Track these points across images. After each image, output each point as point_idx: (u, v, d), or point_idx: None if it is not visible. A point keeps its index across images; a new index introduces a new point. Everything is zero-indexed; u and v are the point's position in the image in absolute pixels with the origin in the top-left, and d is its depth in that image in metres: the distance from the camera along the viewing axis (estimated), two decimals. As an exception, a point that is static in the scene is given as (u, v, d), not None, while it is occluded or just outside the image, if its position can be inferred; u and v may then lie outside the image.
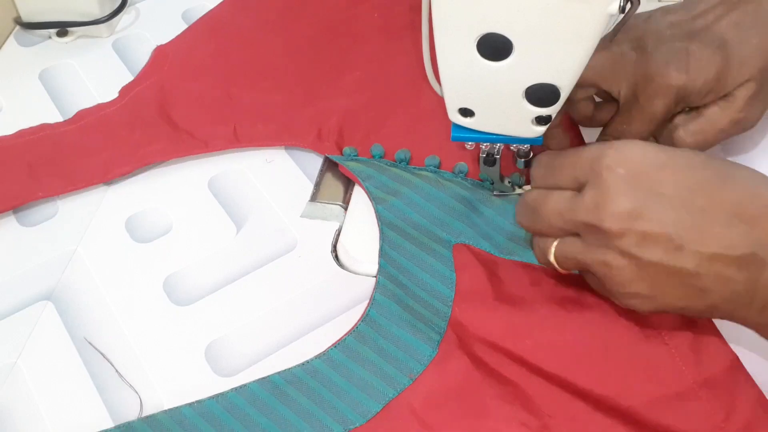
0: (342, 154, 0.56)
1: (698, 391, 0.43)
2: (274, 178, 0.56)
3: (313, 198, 0.55)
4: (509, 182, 0.52)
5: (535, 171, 0.44)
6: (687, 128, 0.49)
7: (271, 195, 0.55)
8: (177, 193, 0.56)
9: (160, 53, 0.64)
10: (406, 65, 0.61)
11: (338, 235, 0.53)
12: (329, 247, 0.52)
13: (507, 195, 0.52)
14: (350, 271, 0.51)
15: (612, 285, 0.41)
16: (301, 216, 0.54)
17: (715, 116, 0.49)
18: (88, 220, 0.54)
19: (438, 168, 0.54)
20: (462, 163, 0.54)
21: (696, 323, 0.45)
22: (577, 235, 0.42)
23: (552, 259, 0.43)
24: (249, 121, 0.58)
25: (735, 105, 0.48)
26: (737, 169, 0.40)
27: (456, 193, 0.52)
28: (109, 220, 0.54)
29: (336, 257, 0.52)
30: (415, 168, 0.54)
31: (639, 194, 0.39)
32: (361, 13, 0.66)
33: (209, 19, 0.67)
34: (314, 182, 0.55)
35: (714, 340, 0.45)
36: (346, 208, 0.54)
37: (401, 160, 0.55)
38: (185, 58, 0.63)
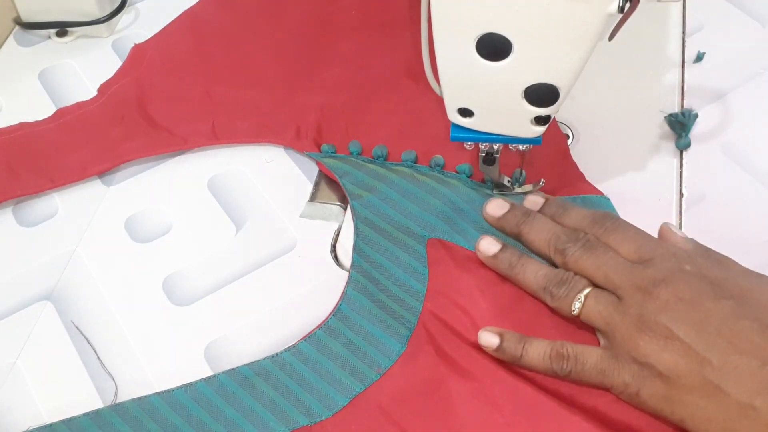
0: (320, 151, 0.56)
1: None
2: (273, 179, 0.56)
3: (313, 198, 0.55)
4: (508, 181, 0.52)
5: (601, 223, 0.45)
6: None
7: (271, 195, 0.55)
8: (176, 193, 0.56)
9: (139, 50, 0.64)
10: (385, 61, 0.61)
11: (338, 235, 0.53)
12: (329, 248, 0.52)
13: (505, 194, 0.52)
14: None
15: (630, 351, 0.41)
16: (300, 216, 0.54)
17: None
18: (87, 220, 0.54)
19: (415, 162, 0.54)
20: (438, 156, 0.54)
21: None
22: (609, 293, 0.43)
23: (582, 298, 0.43)
24: (228, 118, 0.59)
25: None
26: None
27: (431, 188, 0.52)
28: (108, 220, 0.54)
29: (335, 257, 0.52)
30: (391, 164, 0.54)
31: (700, 285, 0.40)
32: (339, 10, 0.66)
33: (188, 16, 0.66)
34: (313, 182, 0.55)
35: None
36: (345, 209, 0.54)
37: (378, 156, 0.55)
38: (164, 55, 0.63)
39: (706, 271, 0.42)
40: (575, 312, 0.44)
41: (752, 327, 0.39)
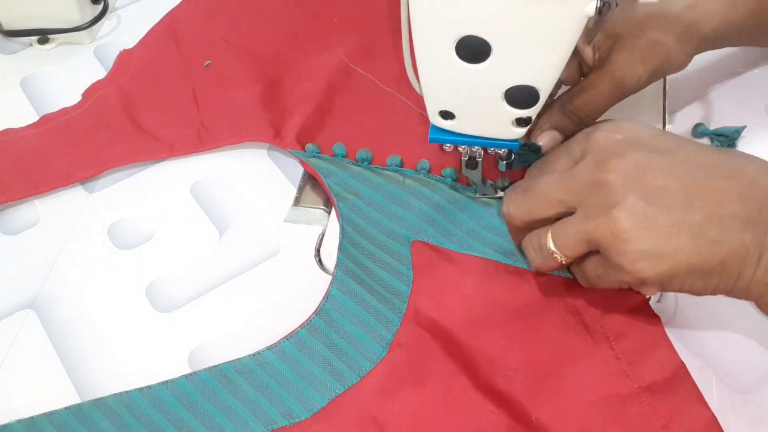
0: (304, 150, 0.56)
1: (641, 396, 0.43)
2: (256, 183, 0.56)
3: (296, 202, 0.55)
4: (491, 185, 0.52)
5: (532, 167, 0.45)
6: (575, 101, 0.49)
7: (254, 200, 0.55)
8: (159, 199, 0.56)
9: (124, 57, 0.64)
10: (369, 66, 0.61)
11: (322, 239, 0.53)
12: (313, 252, 0.52)
13: (489, 198, 0.52)
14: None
15: (618, 247, 0.39)
16: (284, 221, 0.54)
17: (597, 81, 0.48)
18: (69, 227, 0.54)
19: (400, 167, 0.54)
20: (424, 160, 0.54)
21: (644, 328, 0.46)
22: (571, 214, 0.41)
23: (551, 244, 0.42)
24: (212, 122, 0.58)
25: (612, 66, 0.48)
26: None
27: (416, 190, 0.52)
28: (91, 227, 0.54)
29: (319, 261, 0.52)
30: (376, 167, 0.54)
31: (641, 152, 0.40)
32: (321, 15, 0.66)
33: (169, 20, 0.66)
34: (297, 186, 0.55)
35: (661, 347, 0.45)
36: (329, 212, 0.54)
37: (363, 160, 0.55)
38: (148, 61, 0.63)
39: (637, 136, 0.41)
40: (561, 260, 0.42)
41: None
